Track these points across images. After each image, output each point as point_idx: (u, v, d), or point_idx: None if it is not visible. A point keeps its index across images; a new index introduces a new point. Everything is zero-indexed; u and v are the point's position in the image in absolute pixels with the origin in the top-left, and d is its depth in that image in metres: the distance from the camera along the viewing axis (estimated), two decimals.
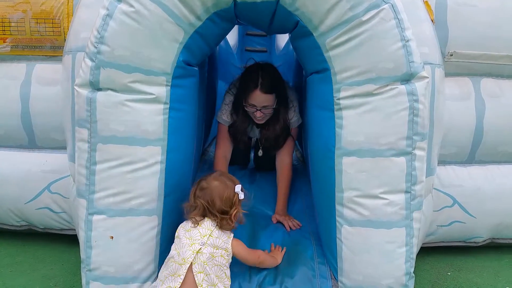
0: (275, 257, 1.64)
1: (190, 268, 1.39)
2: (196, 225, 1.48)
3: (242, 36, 4.07)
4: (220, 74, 3.20)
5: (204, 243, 1.42)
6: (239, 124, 2.08)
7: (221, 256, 1.43)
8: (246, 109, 2.00)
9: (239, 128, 2.09)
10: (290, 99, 2.10)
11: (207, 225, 1.47)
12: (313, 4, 1.40)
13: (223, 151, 2.13)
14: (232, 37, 3.89)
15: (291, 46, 2.44)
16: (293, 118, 2.12)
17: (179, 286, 1.37)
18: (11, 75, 2.01)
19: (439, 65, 1.71)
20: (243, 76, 2.03)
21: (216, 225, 1.48)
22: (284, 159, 2.12)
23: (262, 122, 2.04)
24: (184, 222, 1.53)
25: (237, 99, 2.05)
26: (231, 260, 1.48)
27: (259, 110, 1.95)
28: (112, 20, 1.38)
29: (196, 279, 1.37)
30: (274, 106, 1.98)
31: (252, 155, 2.45)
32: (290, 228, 1.89)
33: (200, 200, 1.49)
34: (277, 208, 2.02)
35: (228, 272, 1.47)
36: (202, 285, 1.37)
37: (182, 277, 1.38)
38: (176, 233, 1.51)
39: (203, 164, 2.54)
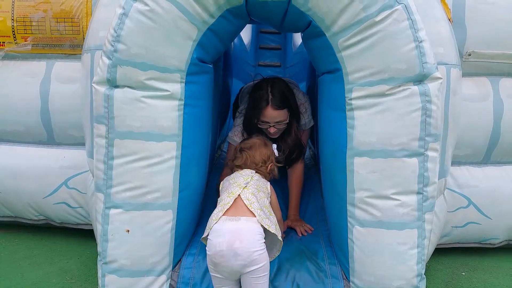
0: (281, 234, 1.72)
1: (238, 197, 1.55)
2: (238, 170, 1.73)
3: (256, 34, 4.05)
4: (234, 72, 3.21)
5: (248, 183, 1.63)
6: None
7: (263, 193, 1.63)
8: (259, 126, 1.99)
9: None
10: (301, 102, 2.09)
11: (247, 172, 1.71)
12: (325, 4, 1.40)
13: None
14: (246, 34, 3.89)
15: None
16: (305, 120, 2.11)
17: (228, 207, 1.51)
18: (31, 73, 2.07)
19: (456, 65, 1.69)
20: (253, 94, 2.02)
21: (256, 172, 1.73)
22: (295, 164, 2.10)
23: (276, 136, 2.02)
24: (224, 179, 1.74)
25: (248, 117, 2.04)
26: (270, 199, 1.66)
27: (272, 126, 1.94)
28: (128, 18, 1.41)
29: (245, 202, 1.52)
30: (287, 121, 1.97)
31: None
32: (302, 233, 1.88)
33: (245, 152, 1.77)
34: (289, 213, 2.01)
35: (273, 213, 1.62)
36: (252, 205, 1.51)
37: (231, 203, 1.53)
38: (220, 187, 1.71)
39: (217, 161, 2.56)
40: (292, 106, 1.99)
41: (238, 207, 1.51)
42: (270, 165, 1.79)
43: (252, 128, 2.02)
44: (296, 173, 2.09)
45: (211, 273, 1.50)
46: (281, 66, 3.96)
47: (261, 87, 1.98)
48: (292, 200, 2.05)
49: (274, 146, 1.86)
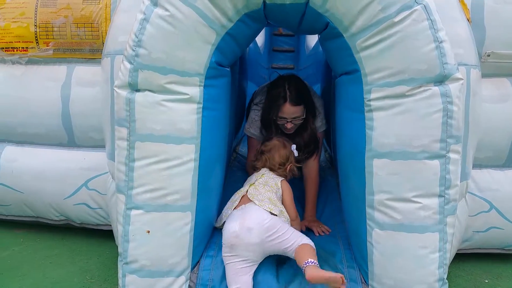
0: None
1: (245, 193, 1.73)
2: (257, 171, 1.88)
3: (269, 36, 4.06)
4: (249, 74, 3.23)
5: (257, 180, 1.79)
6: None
7: (269, 186, 1.75)
8: (277, 122, 2.04)
9: None
10: (315, 106, 2.12)
11: (262, 171, 1.87)
12: (343, 5, 1.40)
13: None
14: (259, 37, 3.89)
15: (320, 47, 2.44)
16: (318, 123, 2.15)
17: (236, 204, 1.71)
18: (53, 77, 2.12)
19: (475, 66, 1.67)
20: (270, 91, 2.07)
21: (270, 170, 1.86)
22: (311, 165, 2.12)
23: (292, 131, 2.06)
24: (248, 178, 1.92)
25: (266, 114, 2.08)
26: (280, 195, 1.76)
27: (290, 121, 2.00)
28: (149, 24, 1.43)
29: (249, 196, 1.70)
30: (304, 116, 2.02)
31: None
32: (319, 233, 1.89)
33: (264, 155, 1.89)
34: (306, 214, 2.02)
35: (280, 204, 1.72)
36: (253, 197, 1.67)
37: (238, 200, 1.72)
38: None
39: (233, 163, 2.58)
40: (308, 102, 2.04)
41: (243, 201, 1.71)
42: (289, 166, 1.89)
43: (269, 123, 2.07)
44: (311, 174, 2.11)
45: (226, 263, 1.57)
46: (295, 69, 3.96)
47: (278, 84, 2.04)
48: (308, 202, 2.06)
49: (294, 146, 1.94)
